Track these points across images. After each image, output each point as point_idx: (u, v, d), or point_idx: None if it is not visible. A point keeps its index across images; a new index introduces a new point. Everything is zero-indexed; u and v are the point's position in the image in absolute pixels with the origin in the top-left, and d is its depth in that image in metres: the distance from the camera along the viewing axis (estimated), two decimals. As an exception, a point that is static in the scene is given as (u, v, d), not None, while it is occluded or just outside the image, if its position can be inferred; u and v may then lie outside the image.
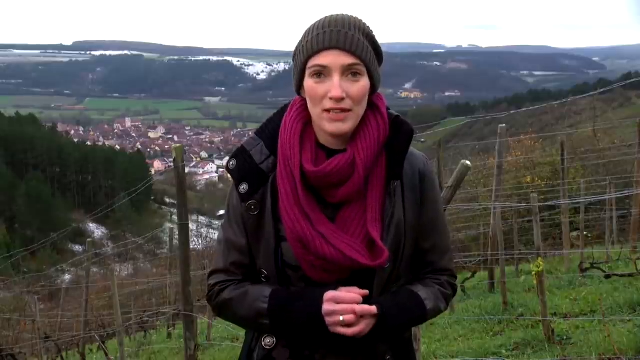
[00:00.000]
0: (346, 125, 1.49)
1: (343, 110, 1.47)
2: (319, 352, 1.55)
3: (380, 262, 1.48)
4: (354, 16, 1.54)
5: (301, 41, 1.54)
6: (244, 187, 1.57)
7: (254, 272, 1.60)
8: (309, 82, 1.51)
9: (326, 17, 1.53)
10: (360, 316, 1.47)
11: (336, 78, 1.47)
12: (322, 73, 1.49)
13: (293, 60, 1.58)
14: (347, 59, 1.48)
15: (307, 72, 1.51)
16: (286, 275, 1.55)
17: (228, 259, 1.62)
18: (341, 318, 1.46)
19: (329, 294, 1.48)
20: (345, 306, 1.47)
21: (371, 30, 1.54)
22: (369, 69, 1.51)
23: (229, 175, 1.62)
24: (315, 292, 1.51)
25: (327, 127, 1.50)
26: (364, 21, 1.54)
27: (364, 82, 1.50)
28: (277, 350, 1.57)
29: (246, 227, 1.59)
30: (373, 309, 1.47)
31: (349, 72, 1.48)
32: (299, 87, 1.58)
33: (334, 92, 1.46)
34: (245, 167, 1.58)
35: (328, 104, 1.48)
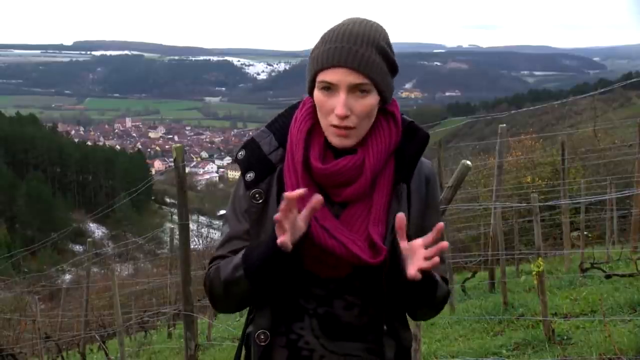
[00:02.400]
0: (349, 141, 1.51)
1: (347, 128, 1.49)
2: (317, 352, 1.54)
3: (380, 260, 1.48)
4: (371, 25, 1.51)
5: (314, 49, 1.54)
6: (250, 175, 1.58)
7: None
8: (317, 94, 1.52)
9: (340, 27, 1.51)
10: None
11: (342, 96, 1.47)
12: (330, 88, 1.50)
13: (308, 65, 1.58)
14: (355, 79, 1.47)
15: (316, 85, 1.53)
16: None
17: (227, 247, 1.62)
18: (275, 217, 1.38)
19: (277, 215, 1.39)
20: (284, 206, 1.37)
21: (387, 41, 1.52)
22: (378, 86, 1.51)
23: (229, 176, 1.64)
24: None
25: (332, 140, 1.52)
26: (380, 30, 1.52)
27: (371, 100, 1.50)
28: (275, 349, 1.56)
29: (249, 216, 1.59)
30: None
31: (356, 89, 1.49)
32: (311, 91, 1.58)
33: (338, 110, 1.47)
34: (253, 156, 1.60)
35: (334, 120, 1.49)
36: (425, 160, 1.66)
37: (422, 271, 1.42)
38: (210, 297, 1.66)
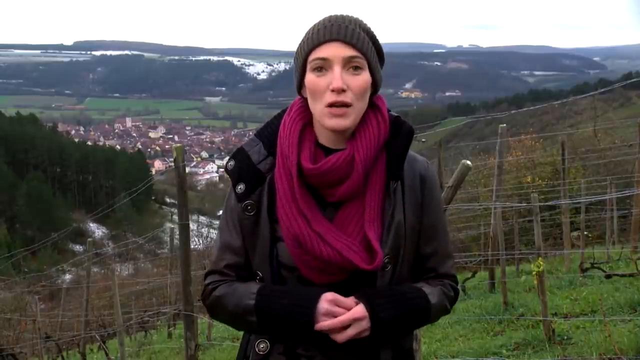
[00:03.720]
0: (346, 121, 1.48)
1: (344, 105, 1.47)
2: (316, 359, 1.53)
3: (376, 265, 1.46)
4: (356, 16, 1.55)
5: (301, 40, 1.55)
6: (240, 187, 1.57)
7: (250, 274, 1.60)
8: (310, 77, 1.51)
9: (325, 18, 1.54)
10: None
11: (337, 70, 1.47)
12: (323, 67, 1.49)
13: (294, 60, 1.58)
14: (348, 51, 1.48)
15: (308, 67, 1.51)
16: (281, 277, 1.54)
17: (222, 261, 1.62)
18: (336, 320, 1.46)
19: (330, 294, 1.47)
20: (343, 311, 1.46)
21: (372, 31, 1.55)
22: (370, 63, 1.51)
23: (228, 176, 1.62)
24: (307, 290, 1.50)
25: (328, 122, 1.49)
26: (365, 21, 1.55)
27: (365, 76, 1.50)
28: (273, 356, 1.55)
29: (242, 228, 1.58)
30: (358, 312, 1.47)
31: (350, 65, 1.48)
32: (300, 85, 1.57)
33: (335, 83, 1.46)
34: (242, 167, 1.58)
35: (329, 98, 1.47)
36: (420, 158, 1.64)
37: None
38: (211, 314, 1.67)
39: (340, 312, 1.46)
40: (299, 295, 1.49)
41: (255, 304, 1.51)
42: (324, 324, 1.45)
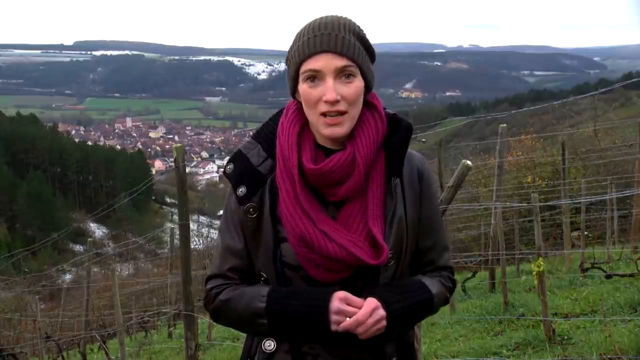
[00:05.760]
0: (342, 129, 1.50)
1: (339, 113, 1.48)
2: (322, 357, 1.53)
3: (382, 260, 1.48)
4: (343, 17, 1.54)
5: (292, 46, 1.54)
6: (241, 190, 1.57)
7: (252, 276, 1.60)
8: (303, 87, 1.51)
9: (315, 20, 1.53)
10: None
11: (330, 81, 1.48)
12: (315, 77, 1.49)
13: (286, 64, 1.58)
14: (340, 62, 1.48)
15: (301, 77, 1.51)
16: (286, 277, 1.55)
17: (225, 264, 1.61)
18: (347, 319, 1.45)
19: (342, 293, 1.48)
20: (354, 309, 1.46)
21: (361, 29, 1.54)
22: (362, 69, 1.52)
23: (227, 180, 1.62)
24: (318, 290, 1.50)
25: (324, 131, 1.50)
26: (353, 21, 1.54)
27: (358, 83, 1.50)
28: (279, 355, 1.55)
29: (244, 230, 1.58)
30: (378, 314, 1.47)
31: (342, 74, 1.49)
32: (294, 90, 1.58)
33: (328, 95, 1.46)
34: (242, 170, 1.58)
35: (323, 107, 1.48)
36: (416, 154, 1.66)
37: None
38: (214, 319, 1.66)
39: (352, 310, 1.46)
40: (310, 295, 1.49)
41: (267, 307, 1.51)
42: (345, 323, 1.45)
